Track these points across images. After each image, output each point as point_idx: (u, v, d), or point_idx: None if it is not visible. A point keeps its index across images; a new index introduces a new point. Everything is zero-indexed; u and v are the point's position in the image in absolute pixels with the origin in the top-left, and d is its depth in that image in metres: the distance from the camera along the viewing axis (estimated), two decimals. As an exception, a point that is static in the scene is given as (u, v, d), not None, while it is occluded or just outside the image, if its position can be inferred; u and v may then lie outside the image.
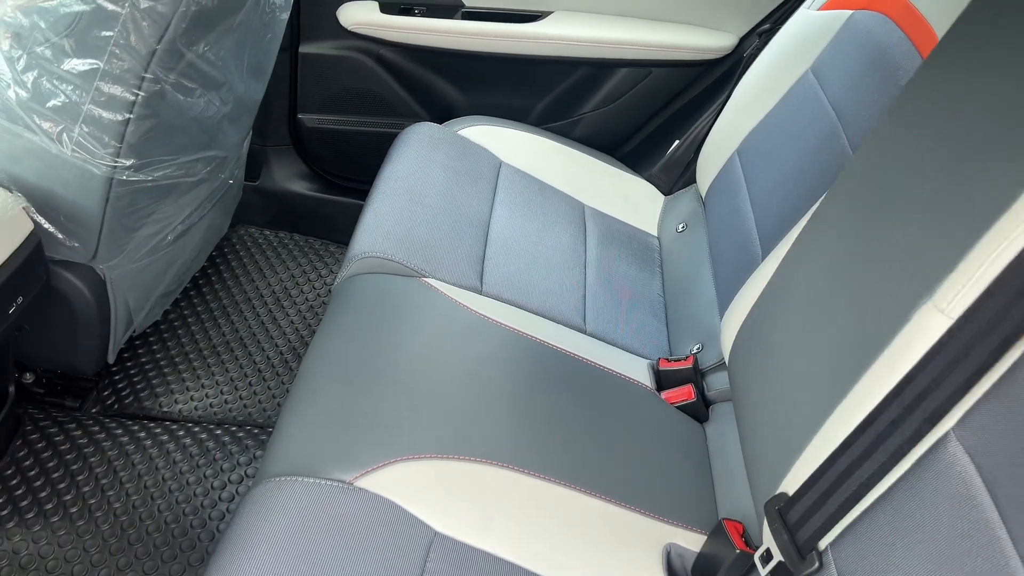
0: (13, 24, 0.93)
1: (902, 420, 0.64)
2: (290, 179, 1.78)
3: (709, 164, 1.43)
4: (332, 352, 1.03)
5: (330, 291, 1.66)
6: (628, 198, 1.54)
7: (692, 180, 1.53)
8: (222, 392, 1.39)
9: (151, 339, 1.46)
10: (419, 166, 1.37)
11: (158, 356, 1.44)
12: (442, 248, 1.22)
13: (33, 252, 1.02)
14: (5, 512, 1.14)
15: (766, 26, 1.49)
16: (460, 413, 0.98)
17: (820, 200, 0.97)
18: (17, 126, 0.98)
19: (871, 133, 0.92)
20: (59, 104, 0.96)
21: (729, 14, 1.53)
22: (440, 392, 1.00)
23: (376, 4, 1.56)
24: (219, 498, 1.21)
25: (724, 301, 1.18)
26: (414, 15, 1.56)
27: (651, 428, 1.08)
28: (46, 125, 0.97)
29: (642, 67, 1.56)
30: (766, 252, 1.11)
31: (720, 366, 1.15)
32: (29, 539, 1.12)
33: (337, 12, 1.57)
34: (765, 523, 0.82)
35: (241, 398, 1.39)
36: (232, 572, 0.75)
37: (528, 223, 1.35)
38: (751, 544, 0.88)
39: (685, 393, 1.13)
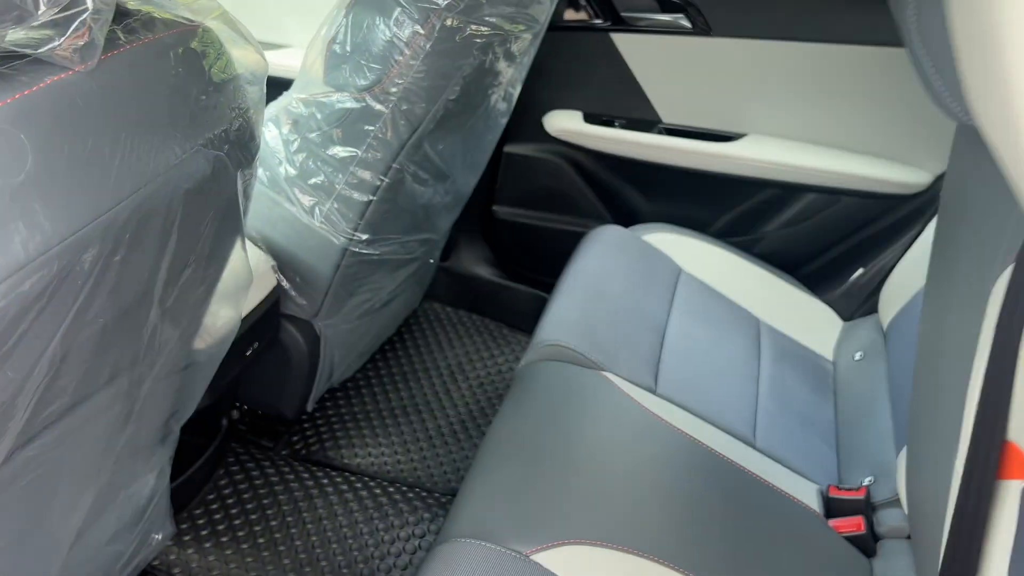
0: (295, 112, 1.10)
1: None
2: (477, 263, 1.91)
3: (894, 296, 1.43)
4: (516, 431, 1.10)
5: (500, 370, 1.76)
6: (805, 319, 1.55)
7: (874, 309, 1.53)
8: (396, 452, 1.50)
9: (339, 395, 1.60)
10: (604, 266, 1.45)
11: (343, 412, 1.57)
12: (622, 346, 1.28)
13: (273, 305, 1.17)
14: (204, 532, 1.28)
15: (966, 167, 1.49)
16: (632, 507, 1.02)
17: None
18: (280, 196, 1.15)
19: None
20: (318, 182, 1.12)
21: (926, 151, 1.54)
22: (614, 484, 1.04)
23: (580, 114, 1.69)
24: (388, 552, 1.29)
25: (902, 438, 1.16)
26: (614, 127, 1.67)
27: (816, 554, 1.07)
28: (304, 199, 1.13)
29: (831, 194, 1.59)
30: (954, 393, 1.09)
31: (893, 502, 1.13)
32: (222, 560, 1.24)
33: (543, 118, 1.72)
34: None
35: (412, 460, 1.49)
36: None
37: (703, 331, 1.39)
38: None
39: (855, 524, 1.11)
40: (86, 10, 0.48)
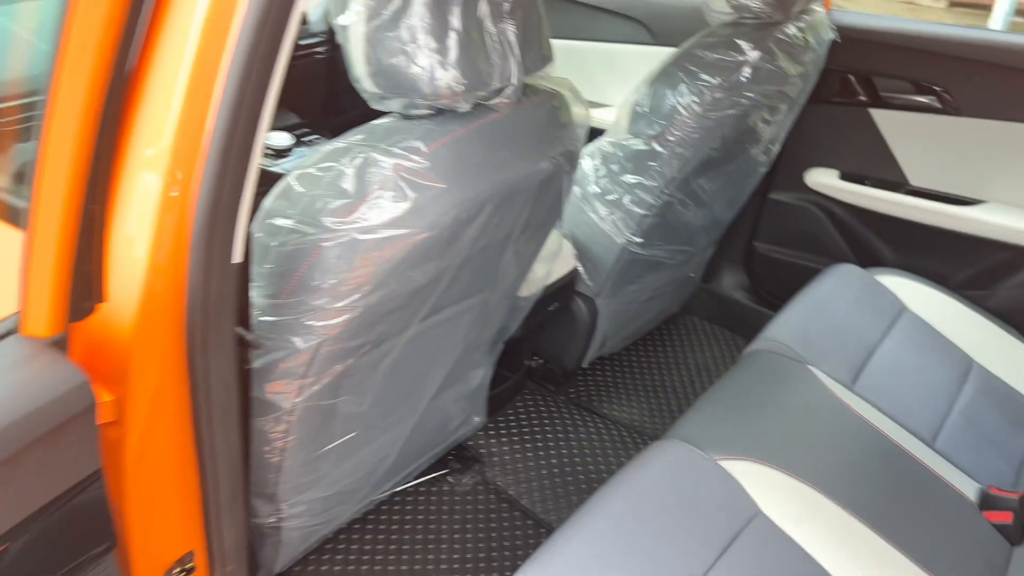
0: (604, 151, 1.62)
1: None
2: (734, 288, 2.30)
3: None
4: (739, 381, 1.48)
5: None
6: None
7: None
8: (643, 412, 1.94)
9: (605, 363, 2.09)
10: (833, 292, 1.75)
11: (607, 375, 2.05)
12: (830, 350, 1.58)
13: (570, 279, 1.69)
14: (504, 436, 1.82)
15: None
16: (811, 452, 1.33)
17: None
18: (585, 206, 1.67)
19: None
20: (611, 199, 1.62)
21: None
22: (799, 436, 1.36)
23: (836, 172, 2.02)
24: (624, 474, 1.75)
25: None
26: (866, 185, 1.98)
27: (964, 531, 1.28)
28: (601, 210, 1.64)
29: (1066, 260, 1.75)
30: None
31: (1049, 509, 1.31)
32: (513, 458, 1.77)
33: (803, 173, 2.07)
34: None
35: (655, 421, 1.92)
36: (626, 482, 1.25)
37: (912, 357, 1.61)
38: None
39: (1004, 516, 1.33)
40: (513, 86, 1.01)
